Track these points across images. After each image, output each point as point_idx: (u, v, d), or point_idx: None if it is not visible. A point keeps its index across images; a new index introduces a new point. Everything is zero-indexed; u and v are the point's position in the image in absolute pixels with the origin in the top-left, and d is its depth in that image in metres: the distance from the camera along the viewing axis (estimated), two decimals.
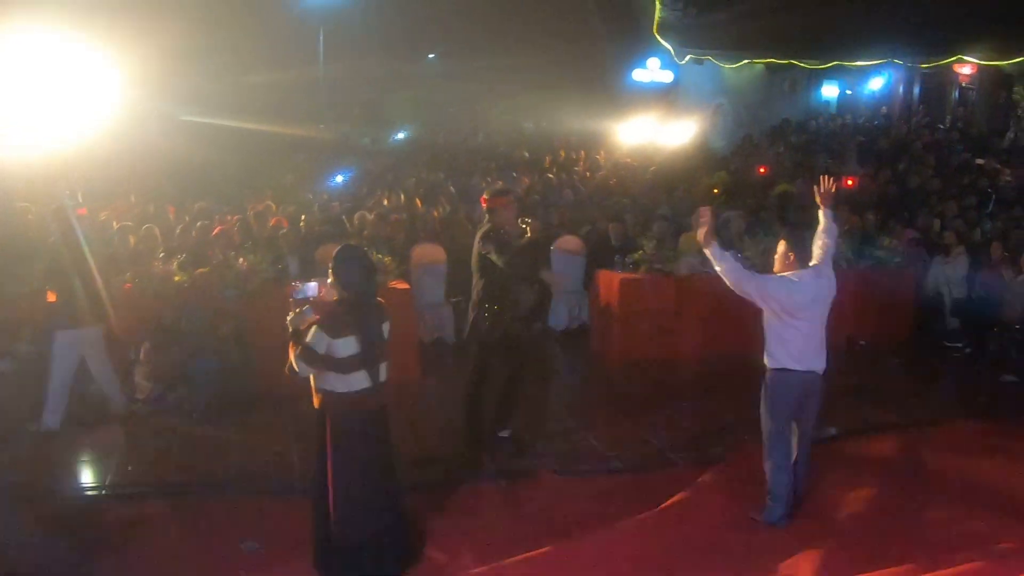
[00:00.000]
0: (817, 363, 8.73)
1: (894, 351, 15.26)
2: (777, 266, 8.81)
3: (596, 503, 9.25)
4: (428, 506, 9.00)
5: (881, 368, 14.48)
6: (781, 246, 8.82)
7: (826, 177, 9.33)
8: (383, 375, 7.60)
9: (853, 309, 15.30)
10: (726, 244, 14.27)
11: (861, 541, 8.38)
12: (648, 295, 14.10)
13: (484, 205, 10.56)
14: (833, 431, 11.14)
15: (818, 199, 9.21)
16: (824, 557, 7.96)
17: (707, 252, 8.64)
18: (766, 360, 8.80)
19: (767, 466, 8.88)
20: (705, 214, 8.63)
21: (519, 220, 10.55)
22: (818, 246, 8.95)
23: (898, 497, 9.46)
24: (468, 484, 9.63)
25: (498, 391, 10.76)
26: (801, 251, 8.72)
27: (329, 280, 7.68)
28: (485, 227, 10.40)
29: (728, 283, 8.62)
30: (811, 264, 8.73)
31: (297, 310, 7.47)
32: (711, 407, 12.01)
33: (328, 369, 7.29)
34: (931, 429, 11.68)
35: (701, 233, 8.61)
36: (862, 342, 15.31)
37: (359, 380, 7.38)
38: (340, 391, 7.35)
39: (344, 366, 7.30)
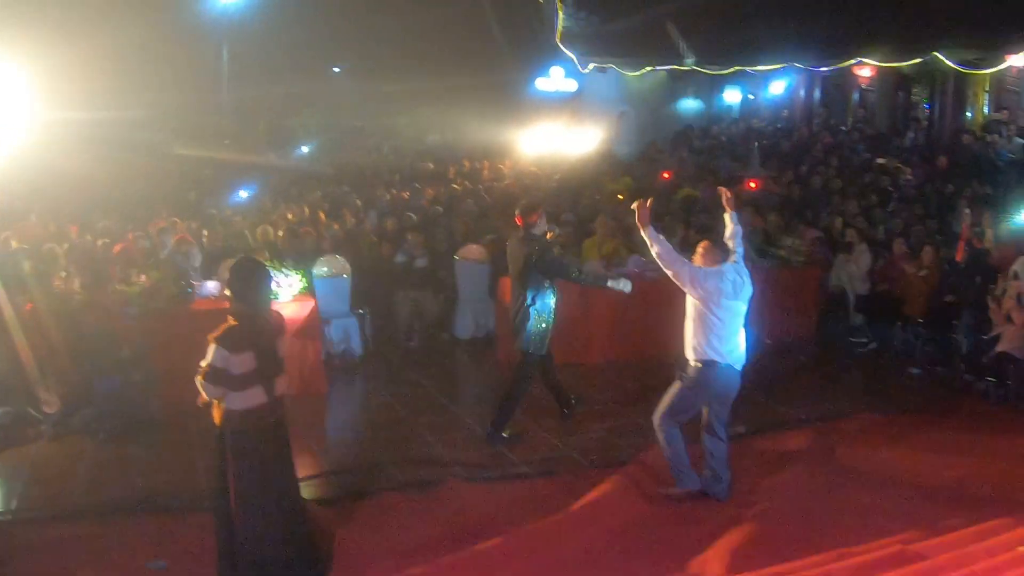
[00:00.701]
0: (738, 358, 9.06)
1: (800, 349, 15.44)
2: (698, 264, 9.08)
3: (506, 509, 9.24)
4: (338, 518, 8.95)
5: (788, 366, 14.57)
6: (704, 245, 9.17)
7: (725, 188, 9.69)
8: (279, 389, 7.54)
9: (758, 308, 15.41)
10: (633, 249, 14.43)
11: (775, 533, 8.47)
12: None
13: (520, 223, 10.74)
14: (743, 429, 11.21)
15: (725, 203, 9.42)
16: (738, 550, 8.04)
17: (643, 234, 8.98)
18: (689, 354, 9.04)
19: (663, 444, 9.19)
20: (644, 205, 9.03)
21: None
22: (730, 247, 9.25)
23: (810, 489, 9.64)
24: (378, 495, 9.56)
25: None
26: (721, 250, 9.07)
27: (227, 292, 7.62)
28: (541, 240, 10.71)
29: (661, 264, 8.95)
30: (731, 261, 9.06)
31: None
32: (619, 410, 12.04)
33: (226, 386, 7.20)
34: (840, 423, 11.88)
35: (639, 215, 8.96)
36: (768, 341, 15.44)
37: (255, 395, 7.31)
38: (237, 408, 7.27)
39: (240, 382, 7.21)
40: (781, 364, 14.57)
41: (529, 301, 10.51)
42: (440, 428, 11.49)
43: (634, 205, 9.11)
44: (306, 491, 9.13)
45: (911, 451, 10.70)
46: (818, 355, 15.37)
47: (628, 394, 12.65)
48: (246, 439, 7.34)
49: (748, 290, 9.06)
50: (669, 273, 8.94)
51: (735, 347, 9.01)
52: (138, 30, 28.09)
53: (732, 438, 10.40)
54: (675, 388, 9.16)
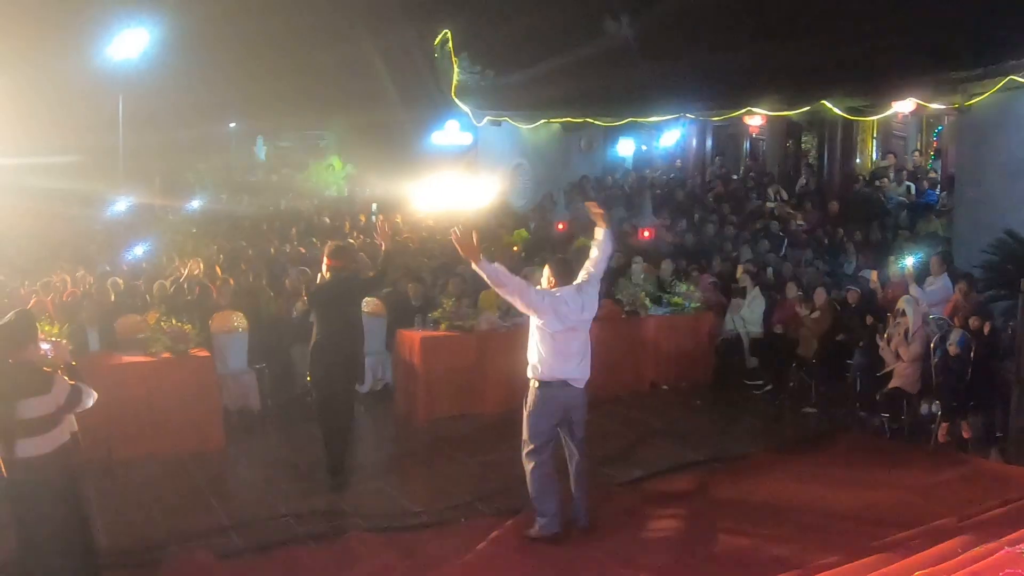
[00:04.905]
0: (579, 375, 9.16)
1: (697, 393, 15.56)
2: (541, 285, 9.29)
3: (406, 558, 9.17)
4: (241, 573, 8.90)
5: (685, 410, 14.72)
6: (546, 270, 9.38)
7: (594, 205, 9.89)
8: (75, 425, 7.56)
9: (654, 355, 15.62)
10: None
11: (676, 573, 8.48)
12: (449, 352, 14.13)
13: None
14: (638, 473, 11.28)
15: (598, 220, 9.51)
16: None
17: (475, 267, 8.93)
18: (529, 373, 9.18)
19: (529, 478, 9.24)
20: (468, 236, 8.96)
21: None
22: (586, 267, 9.46)
23: (708, 527, 9.67)
24: (281, 549, 9.42)
25: None
26: (563, 274, 9.22)
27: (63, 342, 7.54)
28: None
29: (500, 291, 9.12)
30: (575, 283, 9.22)
31: None
32: (515, 459, 11.99)
33: (23, 434, 7.12)
34: (737, 462, 11.98)
35: (464, 249, 8.90)
36: (664, 386, 15.56)
37: (65, 432, 7.33)
38: (46, 451, 7.19)
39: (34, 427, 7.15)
40: (678, 408, 14.75)
41: None
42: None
43: (455, 239, 9.05)
44: (209, 546, 9.23)
45: (808, 486, 10.85)
46: (715, 398, 15.48)
47: None
48: (59, 483, 7.33)
49: (590, 309, 9.19)
50: (508, 297, 9.08)
51: (574, 366, 9.12)
52: (35, 80, 27.91)
53: (628, 481, 10.58)
54: (524, 416, 9.26)
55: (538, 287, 9.28)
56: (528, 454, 9.22)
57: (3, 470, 7.19)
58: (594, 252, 9.46)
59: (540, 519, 9.18)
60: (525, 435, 9.26)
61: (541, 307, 8.95)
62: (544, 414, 9.12)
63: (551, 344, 9.00)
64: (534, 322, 9.12)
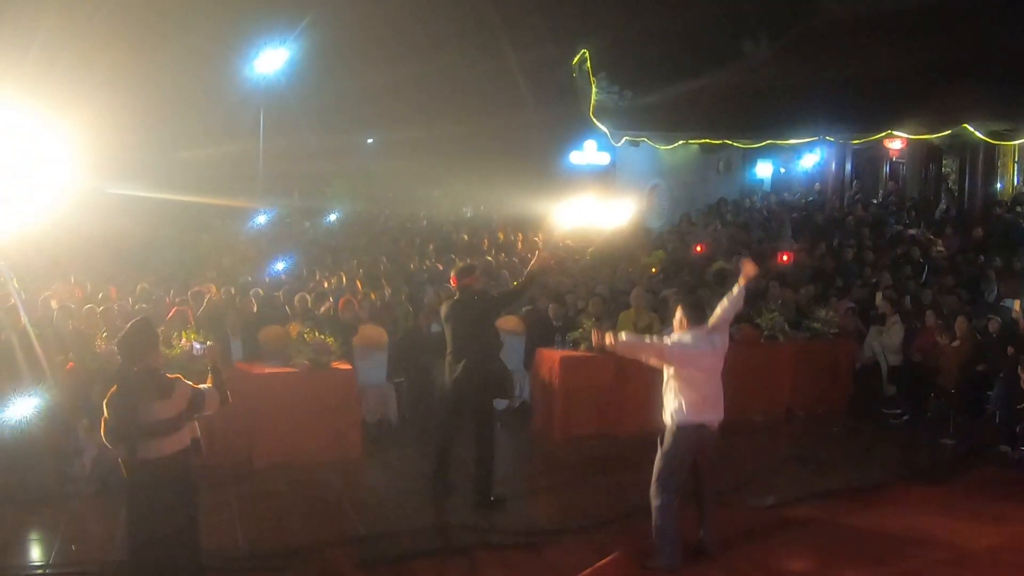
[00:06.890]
0: (712, 417, 9.19)
1: (833, 420, 15.45)
2: (675, 328, 9.35)
3: (539, 573, 9.30)
4: None
5: (821, 437, 14.61)
6: (677, 312, 9.40)
7: (750, 263, 9.80)
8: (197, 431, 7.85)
9: (791, 380, 15.51)
10: (666, 322, 14.51)
11: None
12: (588, 372, 14.19)
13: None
14: (772, 500, 11.25)
15: (742, 279, 9.50)
16: None
17: (611, 347, 9.17)
18: (665, 417, 9.19)
19: (654, 514, 9.20)
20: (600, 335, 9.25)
21: None
22: (717, 312, 9.42)
23: (835, 559, 9.58)
24: (413, 561, 9.53)
25: None
26: (694, 315, 9.26)
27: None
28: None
29: (633, 355, 9.45)
30: (707, 325, 9.25)
31: None
32: (648, 482, 12.02)
33: (145, 437, 7.34)
34: (874, 492, 11.86)
35: (598, 344, 9.26)
36: (800, 412, 15.46)
37: (185, 436, 7.53)
38: (165, 454, 7.41)
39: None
40: (814, 435, 14.65)
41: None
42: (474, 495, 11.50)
43: (595, 340, 9.35)
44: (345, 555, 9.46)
45: (943, 520, 10.70)
46: (851, 426, 15.35)
47: None
48: (184, 482, 7.59)
49: (720, 351, 9.24)
50: (647, 360, 9.32)
51: (710, 409, 9.14)
52: (183, 95, 28.52)
53: (762, 508, 10.60)
54: (658, 455, 9.25)
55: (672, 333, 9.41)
56: (657, 491, 9.20)
57: (123, 471, 7.45)
58: (725, 302, 9.40)
59: (661, 553, 9.17)
60: (656, 473, 9.24)
61: (679, 359, 9.06)
62: (679, 456, 9.14)
63: (687, 388, 9.04)
64: (668, 368, 9.20)
